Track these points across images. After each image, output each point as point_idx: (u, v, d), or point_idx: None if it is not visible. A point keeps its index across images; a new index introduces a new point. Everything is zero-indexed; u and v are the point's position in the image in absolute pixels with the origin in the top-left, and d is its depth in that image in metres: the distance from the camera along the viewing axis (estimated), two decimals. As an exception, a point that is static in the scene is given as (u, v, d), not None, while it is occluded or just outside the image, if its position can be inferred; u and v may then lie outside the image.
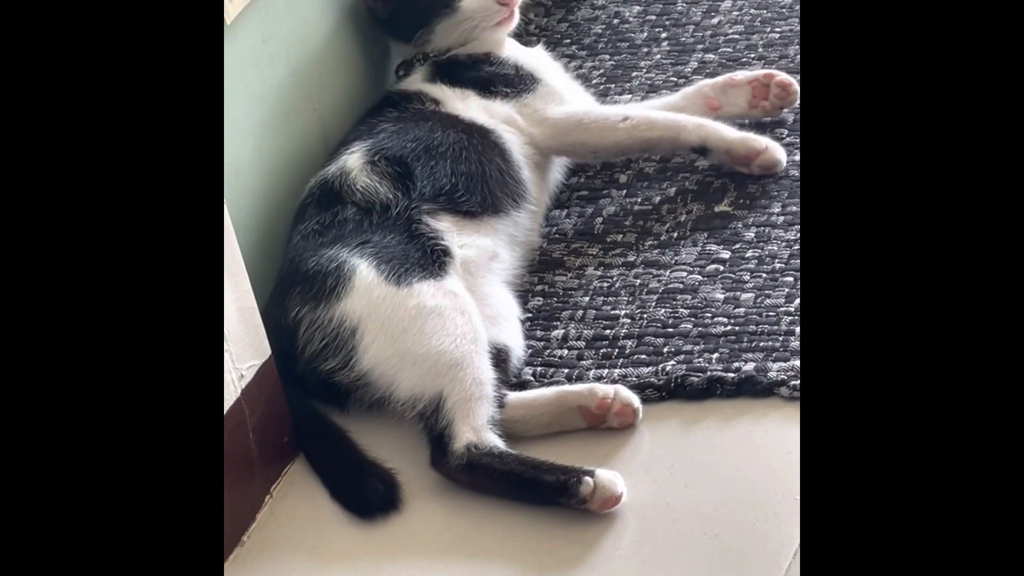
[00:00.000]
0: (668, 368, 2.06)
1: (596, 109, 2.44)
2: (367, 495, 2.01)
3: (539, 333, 2.18)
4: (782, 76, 2.42)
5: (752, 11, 2.73)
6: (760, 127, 2.42)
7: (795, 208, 2.27)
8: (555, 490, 1.91)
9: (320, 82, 2.44)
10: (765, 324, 2.10)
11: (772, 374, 2.01)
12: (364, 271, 2.08)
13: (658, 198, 2.37)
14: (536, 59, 2.49)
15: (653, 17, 2.79)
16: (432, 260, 2.11)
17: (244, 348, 1.99)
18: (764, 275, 2.18)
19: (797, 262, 2.17)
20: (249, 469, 2.02)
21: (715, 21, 2.73)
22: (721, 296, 2.16)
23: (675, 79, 2.60)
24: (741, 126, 2.39)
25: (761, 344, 2.07)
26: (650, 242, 2.29)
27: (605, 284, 2.24)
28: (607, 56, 2.72)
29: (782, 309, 2.11)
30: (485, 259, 2.19)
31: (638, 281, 2.23)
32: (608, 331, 2.15)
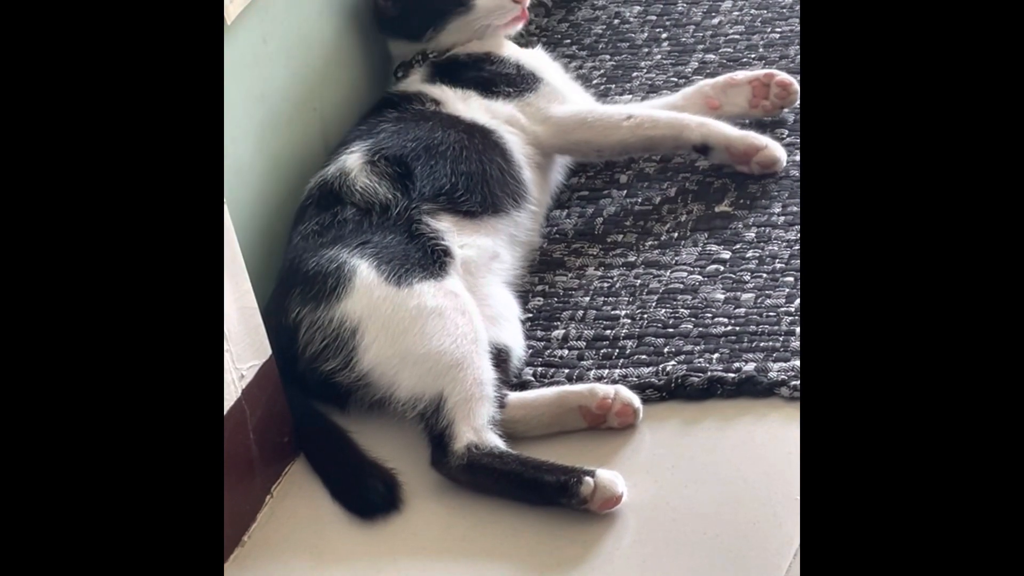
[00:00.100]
0: (668, 368, 2.06)
1: (599, 108, 2.44)
2: (368, 495, 2.01)
3: (540, 333, 2.18)
4: (782, 76, 2.42)
5: (752, 11, 2.73)
6: (760, 127, 2.42)
7: (795, 208, 2.27)
8: (556, 490, 1.91)
9: (320, 82, 2.44)
10: (765, 324, 2.10)
11: (772, 374, 2.01)
12: (364, 272, 2.08)
13: (659, 198, 2.37)
14: (536, 59, 2.49)
15: (653, 17, 2.79)
16: (432, 260, 2.11)
17: (245, 348, 1.99)
18: (764, 275, 2.18)
19: (797, 262, 2.17)
20: (250, 469, 2.02)
21: (715, 21, 2.73)
22: (721, 296, 2.16)
23: (675, 79, 2.60)
24: (742, 126, 2.39)
25: (761, 344, 2.07)
26: (651, 242, 2.29)
27: (606, 284, 2.24)
28: (607, 56, 2.72)
29: (782, 309, 2.11)
30: (486, 259, 2.19)
31: (638, 281, 2.23)
32: (609, 331, 2.15)
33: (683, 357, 2.08)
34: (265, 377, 2.02)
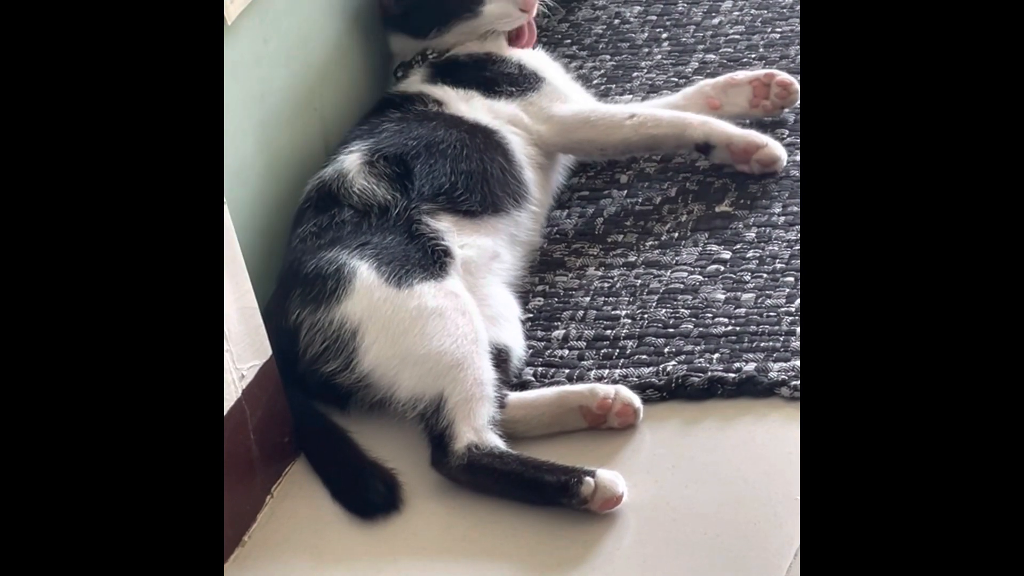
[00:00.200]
0: (669, 368, 2.06)
1: (602, 107, 2.44)
2: (368, 495, 2.01)
3: (540, 333, 2.18)
4: (783, 76, 2.42)
5: (753, 11, 2.73)
6: (761, 127, 2.42)
7: (796, 208, 2.27)
8: (556, 490, 1.91)
9: (320, 82, 2.44)
10: (766, 324, 2.10)
11: (773, 374, 2.01)
12: (364, 273, 2.08)
13: (659, 198, 2.37)
14: (536, 59, 2.49)
15: (654, 17, 2.79)
16: (432, 261, 2.11)
17: (245, 348, 1.99)
18: (765, 275, 2.18)
19: (798, 262, 2.17)
20: (250, 469, 2.02)
21: (716, 21, 2.73)
22: (722, 296, 2.16)
23: (676, 79, 2.60)
24: (742, 126, 2.39)
25: (762, 344, 2.07)
26: (651, 242, 2.29)
27: (606, 284, 2.24)
28: (608, 56, 2.72)
29: (783, 309, 2.11)
30: (486, 259, 2.19)
31: (639, 281, 2.23)
32: (609, 331, 2.15)
33: (683, 357, 2.08)
34: (265, 377, 2.02)
